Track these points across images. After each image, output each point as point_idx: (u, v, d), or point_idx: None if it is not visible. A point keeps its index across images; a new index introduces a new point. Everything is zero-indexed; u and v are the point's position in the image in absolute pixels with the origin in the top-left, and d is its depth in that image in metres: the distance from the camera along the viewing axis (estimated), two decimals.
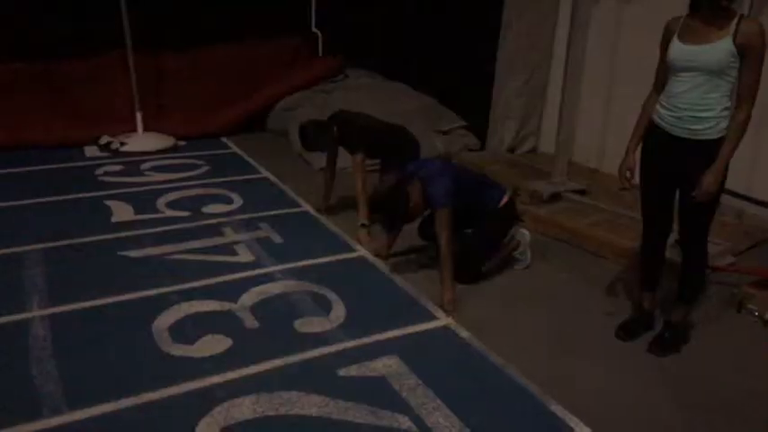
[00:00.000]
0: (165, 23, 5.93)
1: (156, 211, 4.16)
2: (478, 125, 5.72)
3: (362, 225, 3.80)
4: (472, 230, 3.51)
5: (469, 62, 5.63)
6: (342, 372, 2.54)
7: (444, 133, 5.73)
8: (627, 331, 2.93)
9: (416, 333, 2.87)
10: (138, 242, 3.65)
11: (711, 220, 2.68)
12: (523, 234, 3.63)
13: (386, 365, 2.58)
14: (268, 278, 3.30)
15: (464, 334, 2.85)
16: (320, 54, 7.19)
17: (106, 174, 4.85)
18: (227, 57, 6.51)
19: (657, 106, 2.65)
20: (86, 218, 3.99)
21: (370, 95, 6.09)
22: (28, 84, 5.61)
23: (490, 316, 3.06)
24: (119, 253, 3.51)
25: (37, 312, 2.90)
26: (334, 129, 3.96)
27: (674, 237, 2.85)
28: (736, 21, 2.39)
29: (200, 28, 6.35)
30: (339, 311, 3.00)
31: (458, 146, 5.64)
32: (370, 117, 4.20)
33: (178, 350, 2.65)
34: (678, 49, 2.51)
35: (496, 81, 5.39)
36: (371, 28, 6.93)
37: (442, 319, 2.98)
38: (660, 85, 2.66)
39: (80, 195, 4.38)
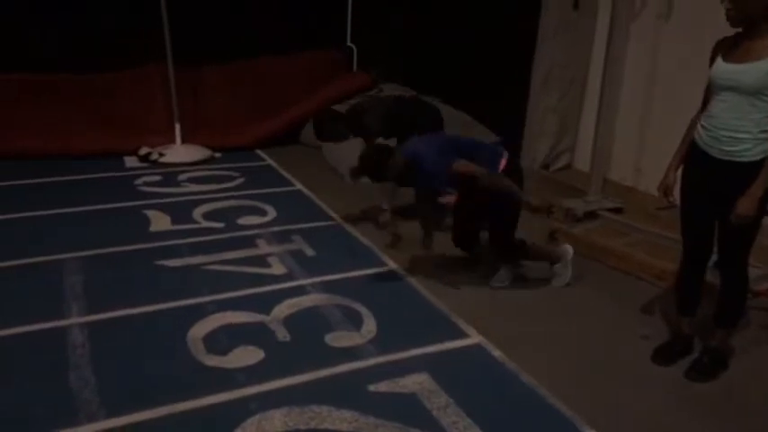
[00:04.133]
0: (204, 36, 6.08)
1: (193, 221, 4.24)
2: (511, 140, 5.68)
3: (382, 209, 3.95)
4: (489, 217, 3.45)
5: (503, 76, 5.62)
6: (372, 387, 2.55)
7: None
8: (664, 355, 2.86)
9: (448, 350, 2.86)
10: (175, 252, 3.72)
11: (752, 243, 2.61)
12: (567, 250, 3.59)
13: (416, 383, 2.58)
14: (300, 291, 3.33)
15: (496, 352, 2.83)
16: (355, 68, 7.27)
17: (145, 184, 4.97)
18: (263, 70, 6.63)
19: (698, 125, 2.61)
20: (125, 227, 4.09)
21: None
22: (72, 94, 5.82)
23: (523, 334, 3.03)
24: (156, 262, 3.58)
25: (75, 320, 2.97)
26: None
27: (713, 259, 2.79)
28: None
29: (236, 41, 6.49)
30: (370, 326, 3.01)
31: None
32: (380, 102, 4.28)
33: (212, 360, 2.69)
34: (719, 67, 2.47)
35: (531, 97, 5.37)
36: (406, 42, 6.98)
37: (474, 337, 2.96)
38: (705, 104, 2.61)
39: (120, 204, 4.49)
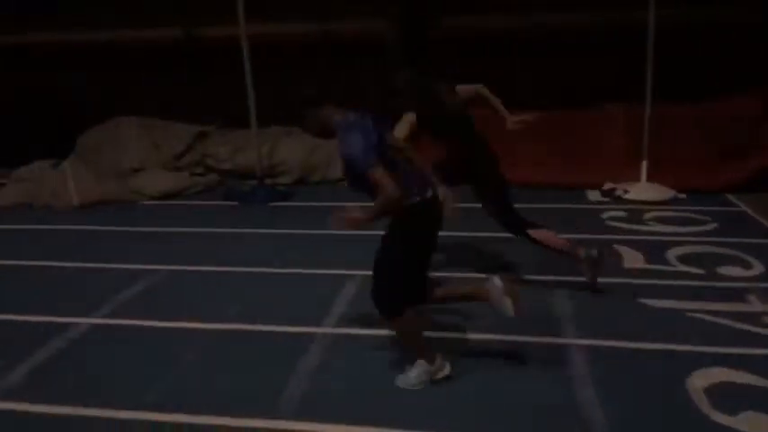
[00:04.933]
0: (665, 74, 5.94)
1: (667, 263, 4.13)
2: None
3: None
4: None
5: None
6: None
7: None
8: None
9: None
10: (654, 292, 3.67)
11: None
12: (493, 283, 2.82)
13: None
14: None
15: None
16: None
17: (611, 219, 5.08)
18: (734, 112, 6.05)
19: None
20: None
21: None
22: (548, 131, 6.36)
23: None
24: (637, 299, 3.60)
25: (573, 341, 3.19)
26: None
27: None
28: None
29: (708, 80, 6.14)
30: None
31: None
32: None
33: (719, 418, 2.54)
34: None
35: None
36: None
37: None
38: None
39: (588, 236, 4.60)
